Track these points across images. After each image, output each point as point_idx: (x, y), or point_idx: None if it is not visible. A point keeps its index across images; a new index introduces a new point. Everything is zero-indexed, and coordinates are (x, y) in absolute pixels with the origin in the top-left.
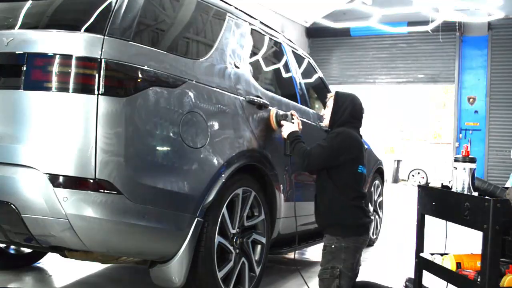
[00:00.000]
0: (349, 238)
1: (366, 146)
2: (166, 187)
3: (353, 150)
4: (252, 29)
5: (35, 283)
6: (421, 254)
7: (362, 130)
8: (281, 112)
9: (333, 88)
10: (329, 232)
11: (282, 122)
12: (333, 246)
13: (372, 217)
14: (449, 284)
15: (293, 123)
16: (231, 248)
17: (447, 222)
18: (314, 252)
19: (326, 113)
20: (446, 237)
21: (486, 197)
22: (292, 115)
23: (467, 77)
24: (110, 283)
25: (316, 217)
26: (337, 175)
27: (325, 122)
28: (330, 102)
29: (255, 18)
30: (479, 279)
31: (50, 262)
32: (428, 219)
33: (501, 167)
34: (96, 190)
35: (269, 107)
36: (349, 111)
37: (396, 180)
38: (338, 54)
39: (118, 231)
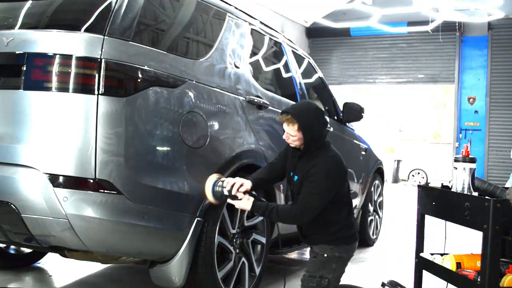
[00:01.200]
0: (342, 247)
1: (366, 146)
2: (166, 187)
3: (343, 174)
4: (252, 29)
5: (35, 283)
6: (421, 254)
7: (362, 130)
8: (220, 186)
9: (333, 89)
10: (323, 243)
11: (230, 201)
12: (325, 255)
13: (372, 217)
14: (449, 284)
15: (240, 199)
16: (231, 248)
17: (447, 222)
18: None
19: (293, 140)
20: (445, 237)
21: (486, 197)
22: (230, 190)
23: (467, 77)
24: (110, 283)
25: (303, 239)
26: (335, 200)
27: (297, 145)
28: (292, 130)
29: (255, 18)
30: (479, 279)
31: (50, 262)
32: (428, 219)
33: (501, 167)
34: (96, 190)
35: (210, 176)
36: (316, 125)
37: (396, 180)
38: (338, 54)
39: (118, 231)
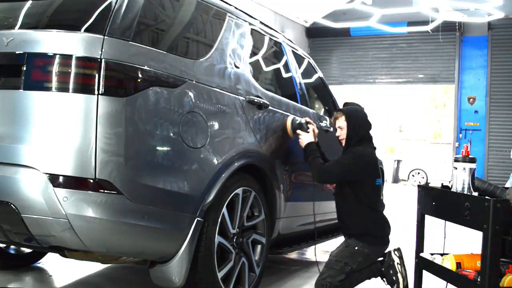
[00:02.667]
0: (374, 247)
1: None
2: (166, 187)
3: (368, 168)
4: (252, 29)
5: (35, 283)
6: (421, 254)
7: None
8: (297, 120)
9: (333, 89)
10: (356, 238)
11: (298, 131)
12: (356, 248)
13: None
14: (449, 284)
15: (308, 132)
16: (231, 248)
17: (446, 222)
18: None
19: (342, 134)
20: (444, 237)
21: (486, 197)
22: (308, 123)
23: (467, 77)
24: (110, 283)
25: (341, 225)
26: (364, 191)
27: (343, 142)
28: (341, 123)
29: (255, 18)
30: (479, 279)
31: (50, 262)
32: (428, 219)
33: (501, 167)
34: (96, 190)
35: (287, 115)
36: (364, 129)
37: (396, 180)
38: (338, 54)
39: (118, 231)
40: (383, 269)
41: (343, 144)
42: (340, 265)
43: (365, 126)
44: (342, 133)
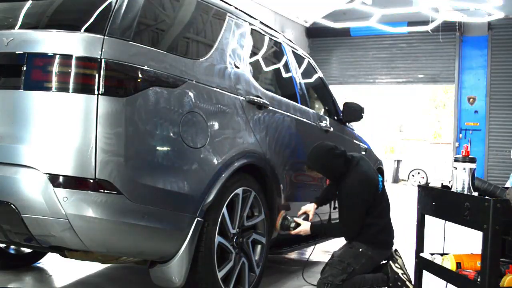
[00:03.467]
0: (377, 250)
1: (366, 146)
2: (166, 187)
3: (369, 188)
4: (252, 29)
5: (35, 283)
6: (421, 254)
7: (362, 130)
8: (287, 219)
9: (333, 89)
10: (361, 241)
11: (295, 231)
12: (360, 249)
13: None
14: (449, 284)
15: (299, 224)
16: (231, 248)
17: (446, 222)
18: (314, 252)
19: (321, 176)
20: (444, 237)
21: (486, 197)
22: (296, 224)
23: (467, 77)
24: (110, 283)
25: (347, 239)
26: (371, 209)
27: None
28: (315, 174)
29: (255, 18)
30: (479, 279)
31: (50, 262)
32: (428, 219)
33: (501, 167)
34: (96, 190)
35: (281, 212)
36: (336, 162)
37: (396, 180)
38: (338, 54)
39: (118, 231)
40: (390, 284)
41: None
42: (343, 265)
43: (332, 162)
44: (322, 177)
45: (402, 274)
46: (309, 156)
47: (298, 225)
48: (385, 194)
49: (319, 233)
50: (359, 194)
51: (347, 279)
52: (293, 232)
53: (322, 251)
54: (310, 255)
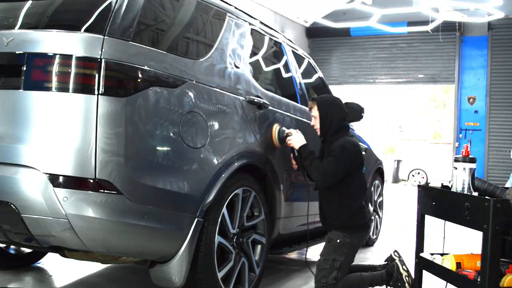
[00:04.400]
0: (355, 235)
1: (366, 146)
2: (166, 187)
3: (359, 156)
4: (252, 29)
5: (35, 283)
6: (421, 254)
7: (362, 130)
8: (284, 130)
9: (333, 89)
10: (336, 229)
11: (288, 138)
12: (338, 240)
13: (373, 217)
14: (449, 284)
15: (298, 133)
16: (231, 248)
17: (446, 222)
18: (314, 252)
19: (315, 123)
20: (444, 237)
21: (486, 197)
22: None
23: (467, 77)
24: (110, 283)
25: (322, 220)
26: (349, 182)
27: (317, 131)
28: (314, 112)
29: (255, 18)
30: (479, 279)
31: (50, 262)
32: (428, 219)
33: (501, 167)
34: (96, 190)
35: (274, 124)
36: (338, 117)
37: (396, 180)
38: (338, 54)
39: (118, 231)
40: (391, 283)
41: (318, 133)
42: (329, 263)
43: (339, 115)
44: (316, 123)
45: (405, 276)
46: (322, 96)
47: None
48: (363, 180)
49: (304, 154)
50: (348, 152)
51: (338, 275)
52: (288, 138)
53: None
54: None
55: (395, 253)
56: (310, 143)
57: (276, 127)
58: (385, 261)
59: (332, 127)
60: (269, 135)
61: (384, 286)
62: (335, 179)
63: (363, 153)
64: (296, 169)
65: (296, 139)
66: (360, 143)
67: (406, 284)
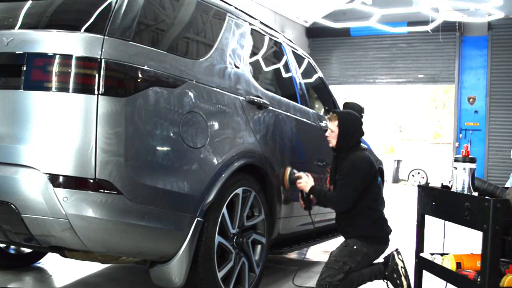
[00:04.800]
0: (373, 246)
1: (366, 146)
2: (166, 187)
3: (372, 169)
4: (252, 29)
5: (35, 283)
6: (421, 254)
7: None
8: (295, 173)
9: (333, 89)
10: (355, 238)
11: (298, 180)
12: (355, 247)
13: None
14: (449, 284)
15: (308, 176)
16: (231, 248)
17: (447, 222)
18: (314, 252)
19: (331, 136)
20: (444, 237)
21: (486, 197)
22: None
23: (467, 77)
24: (110, 283)
25: (340, 230)
26: (366, 194)
27: (331, 144)
28: (333, 125)
29: (255, 18)
30: (479, 279)
31: (50, 262)
32: (428, 219)
33: (501, 167)
34: (96, 190)
35: (287, 167)
36: (357, 136)
37: (396, 180)
38: (338, 54)
39: (118, 231)
40: (386, 273)
41: (331, 145)
42: (339, 265)
43: (359, 134)
44: (332, 137)
45: (401, 267)
46: (345, 112)
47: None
48: (381, 191)
49: (316, 193)
50: (361, 170)
51: (344, 278)
52: (299, 181)
53: (322, 251)
54: (305, 255)
55: (399, 256)
56: (311, 142)
57: (288, 170)
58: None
59: (349, 145)
60: (280, 177)
61: (382, 278)
62: (354, 201)
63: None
64: (303, 208)
65: (306, 182)
66: (369, 153)
67: (402, 277)
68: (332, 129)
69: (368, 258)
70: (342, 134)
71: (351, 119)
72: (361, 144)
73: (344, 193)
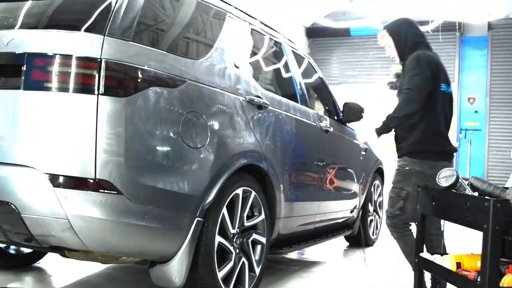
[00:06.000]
0: (425, 162)
1: (366, 146)
2: (166, 187)
3: (433, 67)
4: (252, 29)
5: (35, 283)
6: (421, 254)
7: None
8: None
9: (333, 89)
10: (407, 155)
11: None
12: (406, 168)
13: (373, 217)
14: (449, 284)
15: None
16: (231, 248)
17: (445, 222)
18: (314, 252)
19: (390, 51)
20: (443, 237)
21: (486, 197)
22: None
23: (467, 77)
24: (110, 283)
25: (396, 146)
26: (427, 103)
27: (393, 56)
28: (386, 40)
29: (255, 18)
30: (479, 279)
31: (50, 262)
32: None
33: (501, 167)
34: (96, 190)
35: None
36: (411, 34)
37: None
38: (338, 54)
39: (118, 231)
40: None
41: (394, 58)
42: (396, 191)
43: (412, 31)
44: (389, 51)
45: None
46: (392, 22)
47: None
48: (447, 104)
49: (385, 127)
50: (421, 60)
51: (406, 206)
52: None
53: (322, 251)
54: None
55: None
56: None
57: None
58: None
59: (407, 46)
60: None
61: None
62: (422, 98)
63: (366, 149)
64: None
65: (370, 134)
66: (435, 57)
67: None
68: (387, 44)
69: (424, 176)
70: (397, 42)
71: (396, 23)
72: (422, 44)
73: (411, 85)
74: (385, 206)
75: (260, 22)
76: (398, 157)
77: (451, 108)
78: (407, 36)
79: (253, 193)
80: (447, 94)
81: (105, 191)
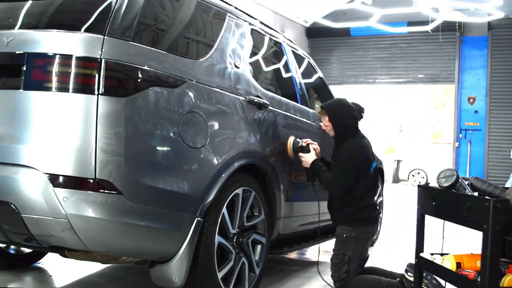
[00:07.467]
0: (359, 228)
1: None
2: (166, 187)
3: (366, 159)
4: (252, 29)
5: (35, 283)
6: (421, 254)
7: (362, 130)
8: (298, 142)
9: (333, 89)
10: (342, 223)
11: (300, 154)
12: (344, 235)
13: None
14: (449, 284)
15: (309, 151)
16: (231, 248)
17: (446, 222)
18: (314, 252)
19: (328, 129)
20: (443, 237)
21: (486, 197)
22: (308, 144)
23: (467, 77)
24: (110, 283)
25: (331, 215)
26: (358, 181)
27: (331, 134)
28: (325, 120)
29: (255, 18)
30: (479, 279)
31: (50, 262)
32: (428, 219)
33: (501, 167)
34: (96, 190)
35: (290, 136)
36: (351, 121)
37: (396, 180)
38: (338, 54)
39: (118, 231)
40: None
41: (331, 135)
42: (339, 258)
43: (352, 120)
44: (328, 129)
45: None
46: (331, 101)
47: (305, 149)
48: (376, 180)
49: (315, 171)
50: (355, 157)
51: (349, 269)
52: (301, 155)
53: (322, 251)
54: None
55: (408, 273)
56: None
57: (291, 139)
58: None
59: (347, 132)
60: (285, 147)
61: None
62: (346, 188)
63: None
64: (310, 182)
65: (308, 157)
66: (368, 149)
67: None
68: (325, 124)
69: (360, 241)
70: (336, 125)
71: (339, 109)
72: (358, 131)
73: (338, 180)
74: (334, 267)
75: (260, 22)
76: (335, 224)
77: (381, 178)
78: (348, 124)
79: (253, 193)
80: (375, 172)
81: (105, 191)
